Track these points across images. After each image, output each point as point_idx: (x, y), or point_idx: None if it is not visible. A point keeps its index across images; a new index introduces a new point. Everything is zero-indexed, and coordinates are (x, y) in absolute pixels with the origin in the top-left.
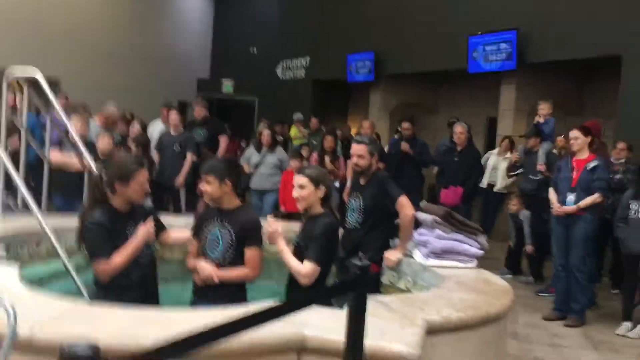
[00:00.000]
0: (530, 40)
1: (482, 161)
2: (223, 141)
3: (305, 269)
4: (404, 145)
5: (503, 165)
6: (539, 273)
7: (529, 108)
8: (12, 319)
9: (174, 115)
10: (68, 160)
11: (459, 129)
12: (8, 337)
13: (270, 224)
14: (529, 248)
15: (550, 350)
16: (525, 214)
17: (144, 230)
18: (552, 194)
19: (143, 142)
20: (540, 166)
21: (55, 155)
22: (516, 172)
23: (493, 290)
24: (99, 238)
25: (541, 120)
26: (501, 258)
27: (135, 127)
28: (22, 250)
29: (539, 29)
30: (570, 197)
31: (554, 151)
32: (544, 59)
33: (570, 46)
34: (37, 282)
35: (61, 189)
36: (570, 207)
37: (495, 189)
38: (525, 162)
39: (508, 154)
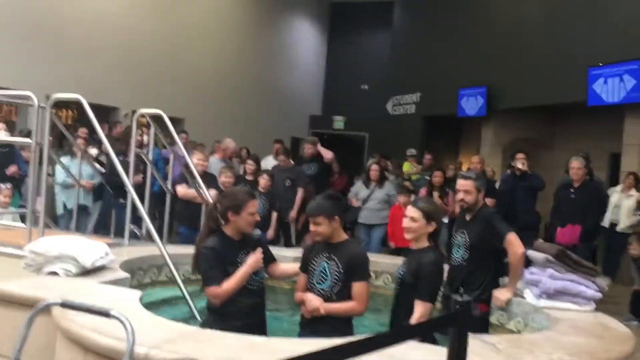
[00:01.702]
0: None
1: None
2: (300, 192)
3: (418, 311)
4: (521, 164)
5: (627, 203)
6: None
7: None
8: (131, 336)
9: (281, 158)
10: (192, 193)
11: (574, 163)
12: (127, 353)
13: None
14: None
15: None
16: None
17: (253, 258)
18: None
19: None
20: None
21: (181, 189)
22: None
23: (612, 335)
24: (211, 263)
25: None
26: (626, 303)
27: (248, 163)
28: (144, 276)
29: None
30: None
31: None
32: None
33: None
34: (156, 306)
35: (185, 220)
36: None
37: (618, 229)
38: None
39: (632, 191)
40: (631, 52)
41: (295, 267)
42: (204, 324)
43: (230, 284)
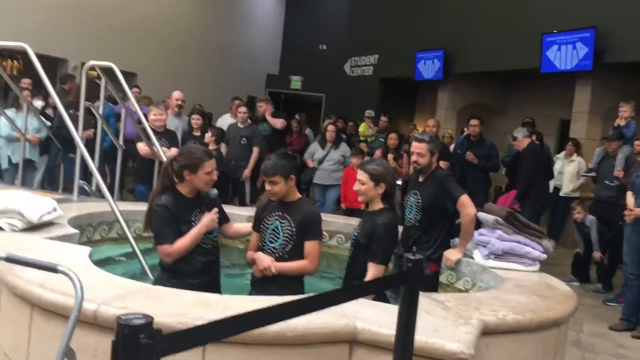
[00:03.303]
0: (609, 39)
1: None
2: (255, 151)
3: (371, 273)
4: (469, 156)
5: (569, 169)
6: (609, 282)
7: (604, 111)
8: (79, 292)
9: (242, 109)
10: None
11: (516, 136)
12: (75, 309)
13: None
14: (596, 255)
15: None
16: (591, 220)
17: (208, 218)
18: (629, 198)
19: (218, 136)
20: (618, 172)
21: (142, 146)
22: (589, 174)
23: (555, 295)
24: (164, 220)
25: (622, 122)
26: (569, 265)
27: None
28: (94, 232)
29: (618, 28)
30: None
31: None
32: (623, 59)
33: None
34: (106, 264)
35: (143, 178)
36: None
37: (562, 193)
38: (601, 166)
39: (574, 157)
40: (585, 20)
41: (248, 226)
42: (157, 282)
43: (183, 242)
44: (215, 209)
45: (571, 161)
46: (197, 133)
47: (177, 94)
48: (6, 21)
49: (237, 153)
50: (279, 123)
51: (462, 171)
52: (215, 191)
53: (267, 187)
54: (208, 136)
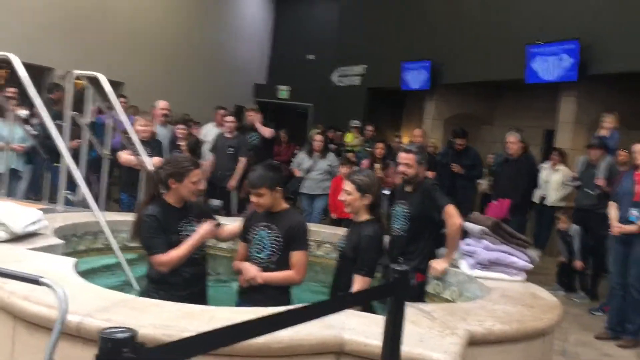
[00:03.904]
0: (593, 50)
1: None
2: (242, 161)
3: (357, 285)
4: (455, 168)
5: (554, 178)
6: (593, 291)
7: (589, 121)
8: (63, 303)
9: (229, 119)
10: (134, 160)
11: (511, 138)
12: (58, 321)
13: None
14: (578, 264)
15: None
16: (575, 229)
17: (206, 229)
18: (612, 210)
19: (192, 145)
20: (599, 180)
21: (123, 155)
22: (573, 183)
23: (540, 304)
24: (153, 230)
25: (606, 133)
26: (554, 274)
27: (179, 128)
28: (79, 243)
29: (603, 39)
30: (634, 212)
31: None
32: (607, 70)
33: (636, 57)
34: (91, 274)
35: (126, 187)
36: (630, 227)
37: (547, 203)
38: (584, 175)
39: (559, 166)
40: (569, 32)
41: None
42: (144, 294)
43: (178, 252)
44: (215, 221)
45: (556, 170)
46: (181, 143)
47: (162, 104)
48: None
49: (224, 163)
50: (268, 132)
51: (450, 181)
52: (217, 202)
53: (253, 199)
54: (182, 145)
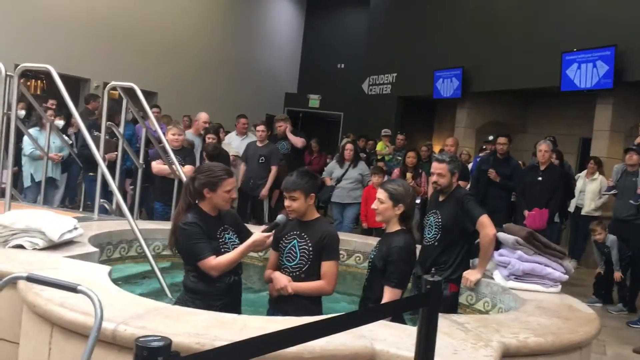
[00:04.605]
0: (629, 57)
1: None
2: (273, 170)
3: (386, 298)
4: (492, 173)
5: (591, 187)
6: (632, 303)
7: (626, 129)
8: (99, 311)
9: (260, 128)
10: (166, 169)
11: (542, 146)
12: (94, 328)
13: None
14: (617, 275)
15: None
16: (612, 240)
17: (260, 237)
18: None
19: (210, 151)
20: None
21: (155, 165)
22: (610, 192)
23: (577, 317)
24: (197, 236)
25: None
26: (591, 286)
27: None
28: (114, 251)
29: (638, 46)
30: None
31: None
32: None
33: None
34: (125, 282)
35: (160, 196)
36: None
37: (583, 212)
38: (621, 183)
39: (596, 175)
40: (604, 39)
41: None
42: (179, 302)
43: (230, 256)
44: (270, 233)
45: (593, 180)
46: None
47: (204, 117)
48: (31, 42)
49: (255, 172)
50: (299, 142)
51: (485, 189)
52: (283, 217)
53: (287, 202)
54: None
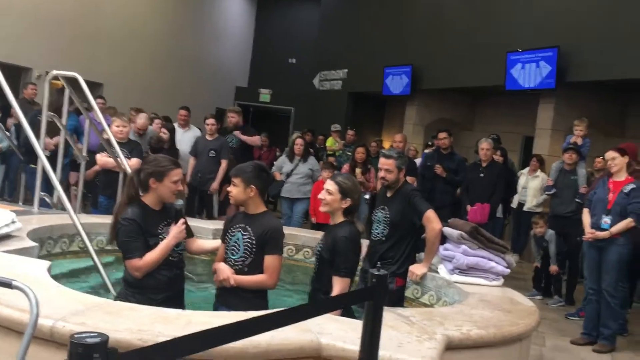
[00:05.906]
0: (571, 58)
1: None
2: (223, 164)
3: (337, 287)
4: (438, 169)
5: (533, 184)
6: (570, 296)
7: (567, 128)
8: (35, 307)
9: (210, 121)
10: (111, 162)
11: (484, 144)
12: (30, 325)
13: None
14: (553, 268)
15: None
16: (551, 234)
17: (176, 229)
18: (585, 216)
19: (154, 143)
20: (584, 189)
21: (100, 157)
22: (550, 192)
23: (518, 309)
24: (131, 234)
25: (579, 141)
26: (531, 279)
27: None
28: (54, 245)
29: (581, 47)
30: (606, 220)
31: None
32: (585, 78)
33: (613, 66)
34: (66, 278)
35: (104, 190)
36: (602, 233)
37: (525, 208)
38: (559, 181)
39: (538, 172)
40: (548, 40)
41: (212, 243)
42: (120, 297)
43: (153, 255)
44: (182, 220)
45: (535, 177)
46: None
47: (140, 123)
48: None
49: (205, 165)
50: (257, 140)
51: (432, 184)
52: (180, 202)
53: (229, 187)
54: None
